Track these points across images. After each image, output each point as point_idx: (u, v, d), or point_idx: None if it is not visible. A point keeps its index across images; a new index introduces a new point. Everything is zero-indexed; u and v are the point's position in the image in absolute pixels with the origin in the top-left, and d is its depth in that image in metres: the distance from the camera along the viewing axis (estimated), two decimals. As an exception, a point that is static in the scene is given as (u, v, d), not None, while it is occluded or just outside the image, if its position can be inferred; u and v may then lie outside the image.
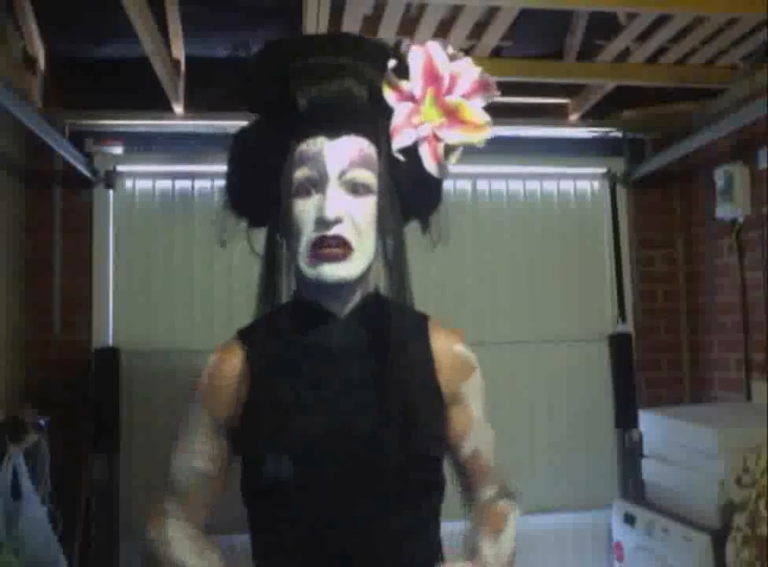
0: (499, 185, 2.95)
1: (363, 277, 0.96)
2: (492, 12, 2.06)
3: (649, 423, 2.42)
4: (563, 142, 2.92)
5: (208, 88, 2.66)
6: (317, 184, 0.90)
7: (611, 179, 2.98)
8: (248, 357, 0.99)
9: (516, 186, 2.96)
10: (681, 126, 2.77)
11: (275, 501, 0.92)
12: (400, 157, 0.93)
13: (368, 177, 0.91)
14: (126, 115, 2.67)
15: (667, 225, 3.08)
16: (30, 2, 2.25)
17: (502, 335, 2.84)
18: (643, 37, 2.23)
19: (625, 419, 2.82)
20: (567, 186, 3.01)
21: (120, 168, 2.72)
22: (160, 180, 2.78)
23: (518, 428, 2.79)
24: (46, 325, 2.64)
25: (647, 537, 2.21)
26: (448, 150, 0.95)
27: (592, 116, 2.84)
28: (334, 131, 0.89)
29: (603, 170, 2.99)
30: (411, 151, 0.94)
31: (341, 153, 0.89)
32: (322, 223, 0.88)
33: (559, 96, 2.83)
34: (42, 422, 2.31)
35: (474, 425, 1.03)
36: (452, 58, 0.93)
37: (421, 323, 1.03)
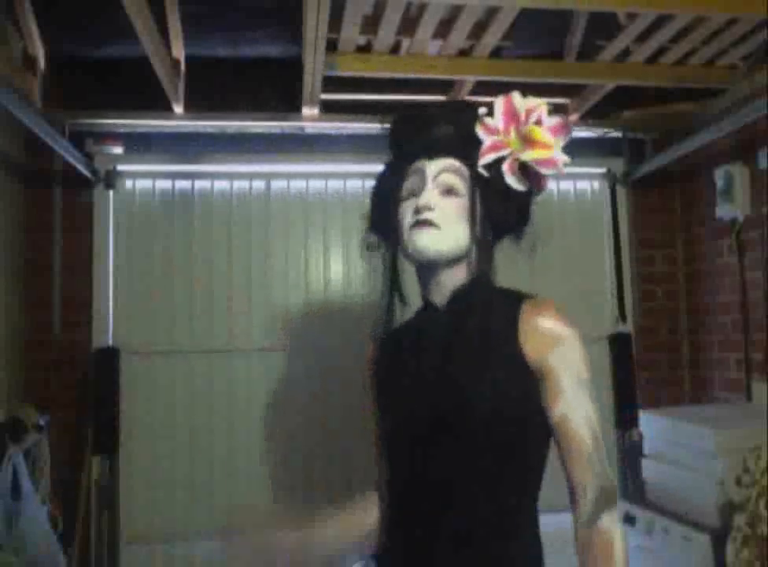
0: (499, 185, 2.95)
1: (454, 266, 1.16)
2: (492, 13, 2.06)
3: (649, 423, 2.42)
4: (563, 142, 2.92)
5: (208, 88, 2.66)
6: (418, 189, 1.15)
7: (611, 179, 2.98)
8: (376, 346, 1.28)
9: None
10: (681, 126, 2.76)
11: (392, 444, 1.19)
12: (485, 173, 1.15)
13: (457, 182, 1.15)
14: (126, 115, 2.67)
15: (667, 225, 3.08)
16: (30, 2, 2.24)
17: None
18: (643, 37, 2.23)
19: (625, 419, 2.82)
20: (567, 186, 3.01)
21: (120, 168, 2.72)
22: (160, 180, 2.78)
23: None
24: (46, 325, 2.64)
25: (647, 537, 2.20)
26: (529, 167, 1.16)
27: (592, 116, 2.84)
28: (432, 155, 1.16)
29: (603, 170, 2.99)
30: (495, 171, 1.15)
31: (437, 165, 1.15)
32: (417, 210, 1.12)
33: (559, 96, 2.82)
34: (42, 422, 2.31)
35: (565, 394, 1.08)
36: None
37: (514, 303, 1.15)
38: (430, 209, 1.12)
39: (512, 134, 1.16)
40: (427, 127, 1.18)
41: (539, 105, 1.16)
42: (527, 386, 1.08)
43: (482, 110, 1.18)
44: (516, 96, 1.17)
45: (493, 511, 1.09)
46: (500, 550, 1.09)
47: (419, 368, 1.16)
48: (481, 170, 1.15)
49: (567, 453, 1.09)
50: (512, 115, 1.16)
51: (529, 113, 1.16)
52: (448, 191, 1.14)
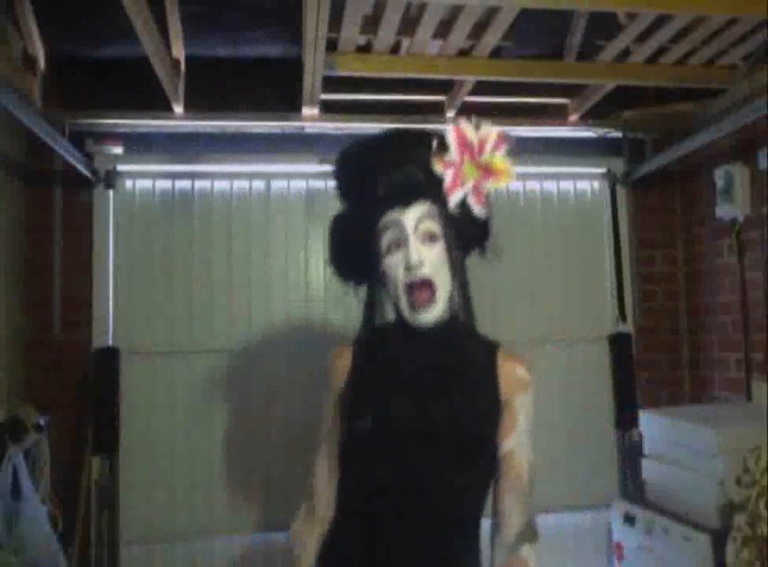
0: (499, 185, 2.95)
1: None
2: (492, 13, 2.06)
3: (649, 423, 2.42)
4: (563, 142, 2.92)
5: (208, 88, 2.66)
6: (401, 242, 1.20)
7: (611, 179, 2.98)
8: (352, 354, 1.32)
9: (516, 186, 2.96)
10: (681, 126, 2.77)
11: (357, 450, 1.23)
12: (456, 210, 1.23)
13: (434, 226, 1.21)
14: (126, 115, 2.67)
15: (667, 225, 3.08)
16: (30, 2, 2.25)
17: (502, 335, 2.82)
18: (643, 37, 2.23)
19: (625, 419, 2.82)
20: (567, 186, 3.01)
21: (120, 168, 2.72)
22: (160, 180, 2.78)
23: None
24: (46, 325, 2.64)
25: (647, 537, 2.20)
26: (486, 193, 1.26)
27: (592, 116, 2.84)
28: (405, 203, 1.21)
29: (603, 170, 2.99)
30: (463, 202, 1.24)
31: (413, 215, 1.21)
32: (409, 268, 1.19)
33: (559, 96, 2.83)
34: (42, 422, 2.31)
35: (517, 431, 1.23)
36: (477, 126, 1.23)
37: (491, 346, 1.30)
38: (421, 265, 1.19)
39: (467, 163, 1.22)
40: (390, 173, 1.22)
41: (490, 132, 1.24)
42: (496, 413, 1.24)
43: (434, 144, 1.23)
44: (465, 126, 1.24)
45: (443, 519, 1.19)
46: (446, 554, 1.19)
47: (399, 382, 1.24)
48: (453, 209, 1.23)
49: (505, 482, 1.21)
50: (465, 145, 1.23)
51: (483, 141, 1.23)
52: (429, 238, 1.21)
